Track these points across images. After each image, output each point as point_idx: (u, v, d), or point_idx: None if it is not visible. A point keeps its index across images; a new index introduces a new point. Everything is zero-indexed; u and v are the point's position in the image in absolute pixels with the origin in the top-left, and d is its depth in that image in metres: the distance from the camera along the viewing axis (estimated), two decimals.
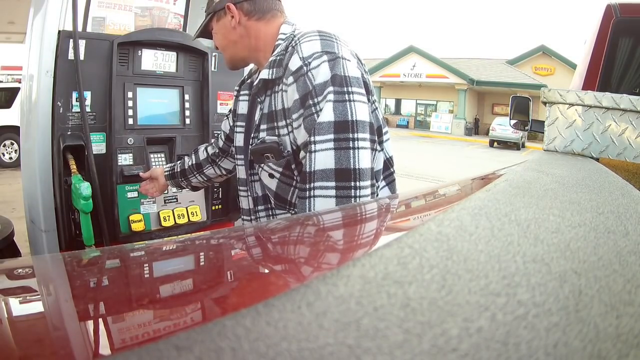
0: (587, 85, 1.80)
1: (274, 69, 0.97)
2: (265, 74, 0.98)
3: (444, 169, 9.54)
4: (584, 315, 0.19)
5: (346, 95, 0.88)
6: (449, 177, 7.78)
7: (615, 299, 0.21)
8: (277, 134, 0.98)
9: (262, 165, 1.00)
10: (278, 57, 0.97)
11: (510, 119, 2.52)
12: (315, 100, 0.88)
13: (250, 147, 1.03)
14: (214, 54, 1.80)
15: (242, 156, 1.10)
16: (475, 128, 22.69)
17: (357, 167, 0.87)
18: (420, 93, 24.09)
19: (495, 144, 17.42)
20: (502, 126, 16.06)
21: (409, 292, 0.21)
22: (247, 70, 1.23)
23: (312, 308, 0.19)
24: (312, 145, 0.87)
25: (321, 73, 0.88)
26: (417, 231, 0.30)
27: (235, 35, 1.04)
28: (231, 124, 1.28)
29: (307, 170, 0.88)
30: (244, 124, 1.10)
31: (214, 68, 1.81)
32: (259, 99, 1.02)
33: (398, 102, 25.42)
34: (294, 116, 0.91)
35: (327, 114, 0.87)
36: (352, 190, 0.87)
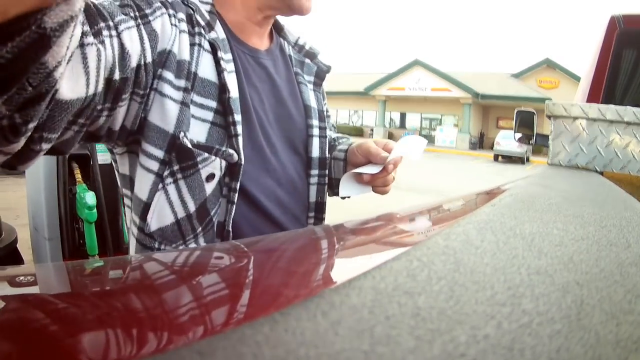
0: (592, 97, 1.81)
1: None
2: None
3: (448, 183, 9.52)
4: (586, 323, 0.20)
5: None
6: (454, 192, 7.74)
7: (616, 308, 0.22)
8: None
9: None
10: None
11: (514, 133, 2.53)
12: None
13: None
14: None
15: None
16: (480, 142, 22.66)
17: None
18: (425, 107, 24.17)
19: (500, 158, 17.37)
20: (507, 140, 16.04)
21: (419, 302, 0.22)
22: None
23: (327, 317, 0.20)
24: None
25: None
26: (424, 245, 0.31)
27: None
28: None
29: None
30: None
31: None
32: None
33: (403, 116, 25.50)
34: None
35: None
36: None
